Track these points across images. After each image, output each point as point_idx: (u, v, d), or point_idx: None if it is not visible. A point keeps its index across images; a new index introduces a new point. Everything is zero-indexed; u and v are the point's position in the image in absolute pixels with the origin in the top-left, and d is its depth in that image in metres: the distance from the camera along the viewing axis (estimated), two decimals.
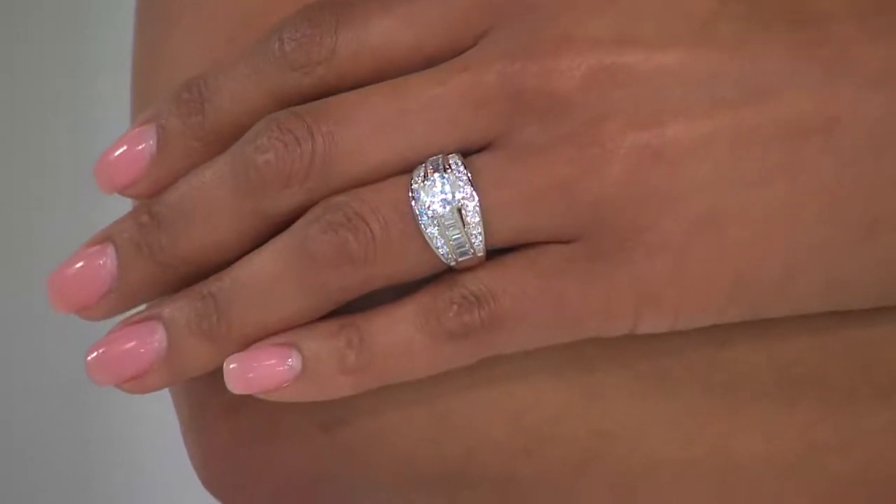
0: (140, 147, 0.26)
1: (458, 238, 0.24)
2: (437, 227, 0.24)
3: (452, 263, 0.25)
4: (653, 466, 0.26)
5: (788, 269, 0.24)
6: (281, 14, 0.26)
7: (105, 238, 0.26)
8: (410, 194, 0.24)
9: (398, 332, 0.25)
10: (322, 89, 0.25)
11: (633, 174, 0.23)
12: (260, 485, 0.28)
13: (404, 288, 0.25)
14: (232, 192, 0.25)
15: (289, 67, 0.25)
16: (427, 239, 0.24)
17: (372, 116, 0.24)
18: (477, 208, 0.24)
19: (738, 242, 0.24)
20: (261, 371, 0.25)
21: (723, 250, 0.24)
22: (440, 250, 0.24)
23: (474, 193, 0.24)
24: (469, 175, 0.24)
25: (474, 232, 0.24)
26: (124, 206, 0.27)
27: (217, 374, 0.26)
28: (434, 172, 0.24)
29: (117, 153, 0.26)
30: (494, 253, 0.25)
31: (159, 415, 0.42)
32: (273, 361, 0.25)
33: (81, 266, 0.26)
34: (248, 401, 0.27)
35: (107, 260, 0.26)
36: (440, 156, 0.24)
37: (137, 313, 0.27)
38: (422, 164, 0.24)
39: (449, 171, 0.24)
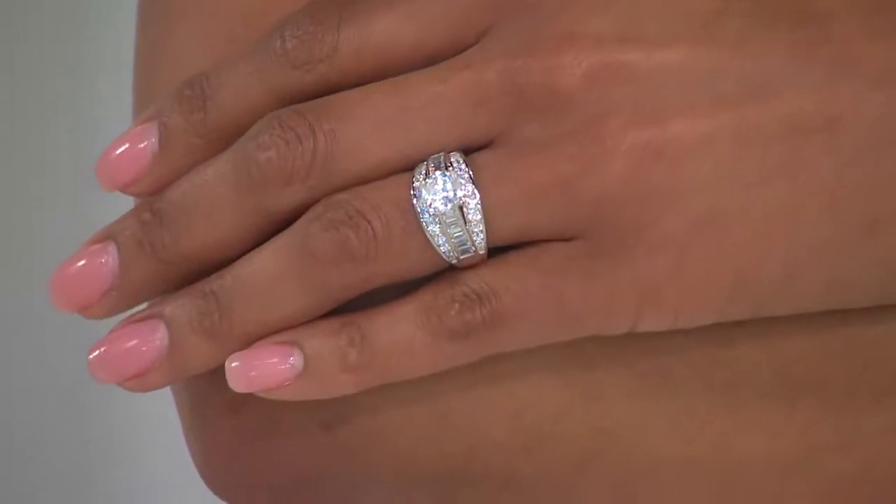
0: (142, 145, 0.26)
1: (460, 236, 0.24)
2: (438, 225, 0.24)
3: (454, 261, 0.25)
4: (653, 465, 0.26)
5: (789, 268, 0.24)
6: (282, 13, 0.26)
7: (107, 236, 0.26)
8: (412, 192, 0.24)
9: (400, 330, 0.25)
10: (324, 87, 0.25)
11: (634, 172, 0.23)
12: (261, 482, 0.28)
13: (406, 286, 0.25)
14: (234, 189, 0.25)
15: (290, 65, 0.25)
16: (428, 237, 0.24)
17: (373, 114, 0.24)
18: (478, 206, 0.24)
19: (738, 241, 0.24)
20: (263, 369, 0.25)
21: (723, 249, 0.24)
22: (442, 248, 0.24)
23: (476, 191, 0.24)
24: (471, 173, 0.24)
25: (476, 230, 0.24)
26: (124, 206, 0.27)
27: (218, 372, 0.26)
28: (436, 170, 0.24)
29: (119, 151, 0.26)
30: (496, 251, 0.25)
31: (160, 413, 0.42)
32: (275, 360, 0.25)
33: (83, 264, 0.26)
34: (249, 399, 0.27)
35: (108, 258, 0.26)
36: (442, 153, 0.24)
37: (139, 311, 0.27)
38: (423, 161, 0.24)
39: (450, 168, 0.24)
